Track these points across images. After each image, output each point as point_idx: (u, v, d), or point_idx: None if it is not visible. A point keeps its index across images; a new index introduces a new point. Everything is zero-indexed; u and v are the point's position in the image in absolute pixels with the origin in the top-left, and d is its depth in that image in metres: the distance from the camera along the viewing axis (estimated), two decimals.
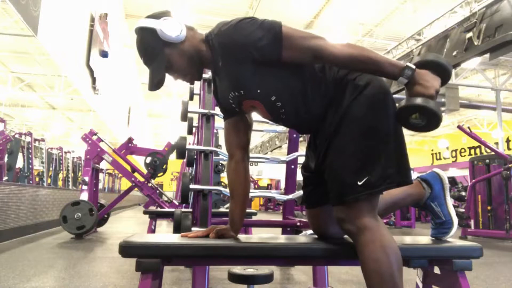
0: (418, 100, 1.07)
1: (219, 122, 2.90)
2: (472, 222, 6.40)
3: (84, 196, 4.98)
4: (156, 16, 1.21)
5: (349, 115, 1.17)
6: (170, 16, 1.22)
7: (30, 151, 8.66)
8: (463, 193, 8.01)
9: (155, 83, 1.22)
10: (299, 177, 1.74)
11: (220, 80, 1.28)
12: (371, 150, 1.14)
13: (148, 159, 6.04)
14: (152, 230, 3.97)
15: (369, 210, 1.13)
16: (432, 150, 19.57)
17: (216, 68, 1.25)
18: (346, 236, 1.32)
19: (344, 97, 1.19)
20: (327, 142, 1.20)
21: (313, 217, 1.39)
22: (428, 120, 1.09)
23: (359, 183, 1.11)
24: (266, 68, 1.17)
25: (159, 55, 1.20)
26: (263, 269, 1.52)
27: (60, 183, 10.89)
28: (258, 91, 1.20)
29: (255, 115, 1.42)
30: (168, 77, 1.27)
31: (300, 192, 2.70)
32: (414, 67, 1.10)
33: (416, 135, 19.33)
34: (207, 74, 2.90)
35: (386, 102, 1.18)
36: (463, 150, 17.22)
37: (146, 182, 5.97)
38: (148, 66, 1.23)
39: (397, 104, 1.17)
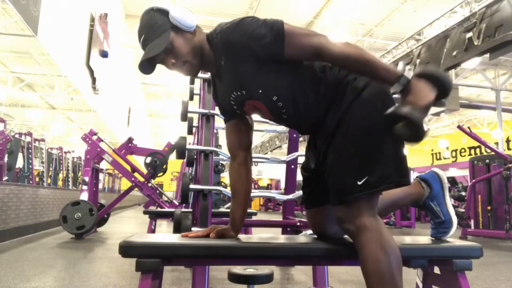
0: (404, 109, 1.03)
1: (219, 122, 2.91)
2: (472, 222, 6.40)
3: (84, 196, 4.98)
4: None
5: (349, 116, 1.17)
6: None
7: (30, 151, 8.65)
8: (463, 193, 8.02)
9: (147, 59, 1.18)
10: (299, 177, 1.74)
11: (221, 81, 1.28)
12: (371, 150, 1.15)
13: (148, 159, 6.05)
14: (152, 230, 3.97)
15: (368, 209, 1.13)
16: (432, 150, 19.55)
17: (217, 69, 1.24)
18: (346, 236, 1.32)
19: (344, 98, 1.19)
20: (327, 142, 1.20)
21: (312, 217, 1.40)
22: (411, 132, 1.03)
23: (359, 183, 1.11)
24: (268, 68, 1.17)
25: (164, 33, 1.17)
26: (263, 269, 1.52)
27: (60, 183, 10.88)
28: (260, 91, 1.20)
29: (255, 116, 1.42)
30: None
31: (300, 192, 2.69)
32: (410, 76, 1.07)
33: None
34: (207, 74, 2.90)
35: (385, 102, 1.17)
36: (463, 150, 17.21)
37: (146, 182, 5.97)
38: (147, 43, 1.18)
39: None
